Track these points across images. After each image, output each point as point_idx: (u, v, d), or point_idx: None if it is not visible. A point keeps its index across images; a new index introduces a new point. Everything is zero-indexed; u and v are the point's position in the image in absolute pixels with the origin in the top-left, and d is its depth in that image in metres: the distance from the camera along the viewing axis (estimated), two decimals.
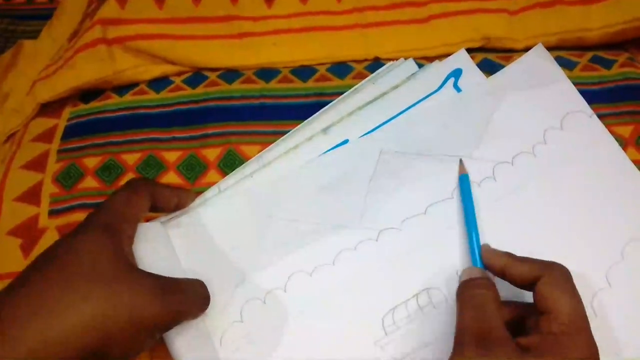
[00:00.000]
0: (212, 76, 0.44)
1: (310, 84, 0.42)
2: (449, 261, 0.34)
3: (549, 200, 0.35)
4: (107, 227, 0.28)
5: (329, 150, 0.38)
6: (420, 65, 0.42)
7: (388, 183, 0.36)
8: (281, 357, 0.32)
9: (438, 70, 0.40)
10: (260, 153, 0.38)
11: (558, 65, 0.39)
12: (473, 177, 0.36)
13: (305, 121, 0.40)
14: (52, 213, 0.38)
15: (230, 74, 0.44)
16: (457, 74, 0.40)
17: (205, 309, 0.31)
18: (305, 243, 0.35)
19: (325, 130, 0.38)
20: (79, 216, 0.38)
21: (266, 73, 0.44)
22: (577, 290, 0.27)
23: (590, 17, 0.43)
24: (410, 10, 0.45)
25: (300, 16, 0.45)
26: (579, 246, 0.33)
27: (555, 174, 0.36)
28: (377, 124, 0.39)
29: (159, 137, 0.41)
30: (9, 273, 0.36)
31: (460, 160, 0.36)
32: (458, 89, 0.39)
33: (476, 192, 0.35)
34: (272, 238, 0.35)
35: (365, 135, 0.38)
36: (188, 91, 0.43)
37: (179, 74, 0.44)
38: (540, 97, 0.38)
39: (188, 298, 0.30)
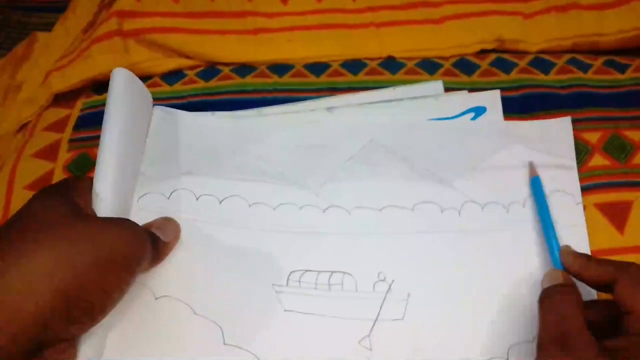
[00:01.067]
0: (226, 70, 0.44)
1: (323, 78, 0.43)
2: (372, 257, 0.34)
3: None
4: (57, 187, 0.30)
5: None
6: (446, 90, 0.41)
7: (361, 169, 0.37)
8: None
9: (463, 100, 0.40)
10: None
11: (573, 149, 0.37)
12: (443, 204, 0.35)
13: (316, 99, 0.41)
14: None
15: (244, 69, 0.44)
16: (479, 111, 0.39)
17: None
18: (256, 180, 0.36)
19: (330, 109, 0.40)
20: None
21: (280, 68, 0.44)
22: None
23: (605, 22, 0.43)
24: (425, 11, 0.45)
25: (315, 13, 0.45)
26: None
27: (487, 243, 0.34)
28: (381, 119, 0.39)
29: None
30: None
31: (531, 163, 0.36)
32: None
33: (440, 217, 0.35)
34: (236, 165, 0.37)
35: (364, 120, 0.39)
36: (201, 84, 0.43)
37: (192, 67, 0.44)
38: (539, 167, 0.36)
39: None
